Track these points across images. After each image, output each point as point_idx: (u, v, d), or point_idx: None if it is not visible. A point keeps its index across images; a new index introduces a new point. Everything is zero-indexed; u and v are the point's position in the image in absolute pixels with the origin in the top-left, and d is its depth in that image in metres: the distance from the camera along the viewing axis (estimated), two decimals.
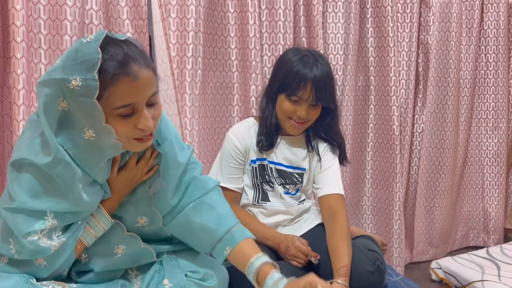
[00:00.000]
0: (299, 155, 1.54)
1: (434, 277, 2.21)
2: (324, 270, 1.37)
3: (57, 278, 1.06)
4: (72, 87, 0.87)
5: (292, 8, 1.99)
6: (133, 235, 1.13)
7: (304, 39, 2.05)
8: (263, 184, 1.52)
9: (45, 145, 0.95)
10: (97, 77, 0.86)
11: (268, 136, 1.49)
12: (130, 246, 1.12)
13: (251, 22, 1.90)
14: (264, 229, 1.46)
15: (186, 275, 1.18)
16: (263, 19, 1.97)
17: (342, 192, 1.49)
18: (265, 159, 1.52)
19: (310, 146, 1.53)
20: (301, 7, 2.03)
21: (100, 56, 0.86)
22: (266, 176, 1.52)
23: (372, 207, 2.37)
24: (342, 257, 1.31)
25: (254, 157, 1.51)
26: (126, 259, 1.12)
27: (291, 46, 1.99)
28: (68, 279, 1.10)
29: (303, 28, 2.05)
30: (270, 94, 1.48)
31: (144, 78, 0.91)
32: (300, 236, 1.47)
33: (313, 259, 1.36)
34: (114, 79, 0.88)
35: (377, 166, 2.33)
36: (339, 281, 1.27)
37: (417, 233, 2.43)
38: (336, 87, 1.49)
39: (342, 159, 1.56)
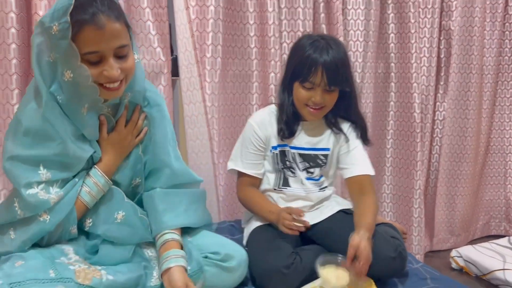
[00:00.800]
0: (322, 137, 1.54)
1: (454, 265, 2.20)
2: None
3: (70, 238, 1.14)
4: (53, 32, 0.99)
5: None
6: (131, 203, 1.20)
7: (323, 25, 2.03)
8: (285, 169, 1.53)
9: (38, 95, 1.05)
10: (69, 20, 0.97)
11: (289, 125, 1.49)
12: (129, 213, 1.18)
13: (270, 9, 1.89)
14: (269, 204, 1.49)
15: (206, 257, 1.20)
16: (282, 6, 1.96)
17: (372, 172, 1.49)
18: (286, 145, 1.52)
19: (333, 128, 1.53)
20: None
21: (73, 1, 0.97)
22: (287, 162, 1.53)
23: (392, 195, 2.35)
24: (367, 216, 1.34)
25: (275, 144, 1.52)
26: (127, 228, 1.17)
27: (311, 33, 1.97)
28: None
29: (322, 15, 2.03)
30: (286, 82, 1.49)
31: (110, 28, 1.00)
32: (320, 221, 1.47)
33: (300, 224, 1.32)
34: (81, 25, 0.98)
35: (397, 154, 2.31)
36: (361, 232, 1.26)
37: (438, 221, 2.41)
38: (351, 70, 1.47)
39: (364, 139, 1.55)
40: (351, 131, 1.54)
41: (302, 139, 1.53)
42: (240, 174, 1.56)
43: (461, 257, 2.17)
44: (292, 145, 1.52)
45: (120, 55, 1.06)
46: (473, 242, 2.51)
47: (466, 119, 2.38)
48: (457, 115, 2.36)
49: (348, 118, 1.54)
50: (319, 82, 1.40)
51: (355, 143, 1.53)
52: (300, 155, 1.53)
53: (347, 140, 1.52)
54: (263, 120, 1.53)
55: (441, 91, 2.34)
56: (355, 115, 1.53)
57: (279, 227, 1.37)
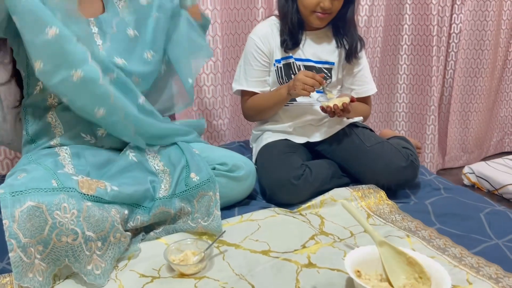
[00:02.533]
0: (328, 49, 1.48)
1: (466, 181, 2.18)
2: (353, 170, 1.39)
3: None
4: None
5: None
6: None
7: None
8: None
9: None
10: None
11: (292, 35, 1.43)
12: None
13: None
14: (274, 90, 1.46)
15: (214, 168, 1.19)
16: None
17: (376, 90, 1.58)
18: (291, 57, 1.46)
19: (339, 41, 1.47)
20: None
21: None
22: (292, 75, 1.47)
23: (405, 113, 2.30)
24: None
25: (279, 57, 1.46)
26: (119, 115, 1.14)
27: None
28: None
29: None
30: None
31: None
32: (330, 136, 1.44)
33: (320, 83, 1.32)
34: None
35: (411, 70, 2.22)
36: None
37: (451, 138, 2.37)
38: None
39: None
40: (359, 48, 1.48)
41: (308, 50, 1.47)
42: (244, 93, 1.51)
43: (473, 173, 2.15)
44: (297, 56, 1.46)
45: None
46: (486, 159, 2.48)
47: (484, 31, 2.26)
48: (474, 28, 2.24)
49: (349, 27, 1.46)
50: None
51: (364, 61, 1.51)
52: (305, 66, 1.47)
53: (355, 57, 1.47)
54: (265, 33, 1.46)
55: (458, 2, 2.20)
56: (354, 25, 1.47)
57: (295, 88, 1.32)
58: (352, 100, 1.36)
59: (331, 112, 1.35)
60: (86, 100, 1.10)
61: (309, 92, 1.32)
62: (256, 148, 1.53)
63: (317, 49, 1.47)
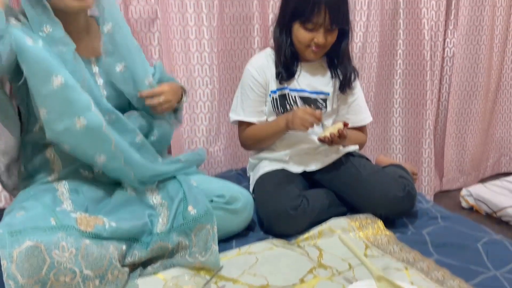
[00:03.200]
0: (322, 80, 1.50)
1: (464, 204, 2.18)
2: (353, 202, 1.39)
3: None
4: None
5: None
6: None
7: None
8: (285, 114, 1.48)
9: None
10: None
11: (287, 67, 1.45)
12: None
13: None
14: (272, 121, 1.47)
15: (212, 201, 1.19)
16: None
17: (371, 119, 1.59)
18: (286, 88, 1.48)
19: (333, 72, 1.49)
20: None
21: None
22: (288, 105, 1.48)
23: (401, 136, 2.31)
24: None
25: (274, 88, 1.48)
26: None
27: None
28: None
29: None
30: (284, 23, 1.43)
31: None
32: (328, 165, 1.45)
33: (319, 119, 1.34)
34: None
35: (406, 94, 2.24)
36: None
37: (447, 161, 2.38)
38: (349, 7, 1.42)
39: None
40: (352, 78, 1.50)
41: (302, 81, 1.48)
42: (242, 123, 1.52)
43: (471, 195, 2.15)
44: (292, 87, 1.48)
45: None
46: (483, 180, 2.49)
47: (477, 55, 2.29)
48: (467, 51, 2.27)
49: (342, 58, 1.48)
50: (322, 22, 1.35)
51: (358, 91, 1.53)
52: (301, 98, 1.48)
53: (349, 87, 1.49)
54: (261, 65, 1.48)
55: (450, 27, 2.24)
56: (348, 59, 1.49)
57: (294, 124, 1.34)
58: (345, 124, 1.37)
59: (329, 141, 1.36)
60: (88, 147, 1.11)
61: (308, 128, 1.34)
62: (253, 177, 1.53)
63: (311, 80, 1.49)
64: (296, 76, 1.47)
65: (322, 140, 1.37)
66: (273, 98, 1.48)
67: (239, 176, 1.73)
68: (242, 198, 1.23)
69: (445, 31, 2.22)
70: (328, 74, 1.50)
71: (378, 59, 2.15)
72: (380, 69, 2.19)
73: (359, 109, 1.54)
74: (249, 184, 1.56)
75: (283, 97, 1.48)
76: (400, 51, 2.19)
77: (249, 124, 1.50)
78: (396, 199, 1.31)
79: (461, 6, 2.18)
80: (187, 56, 1.81)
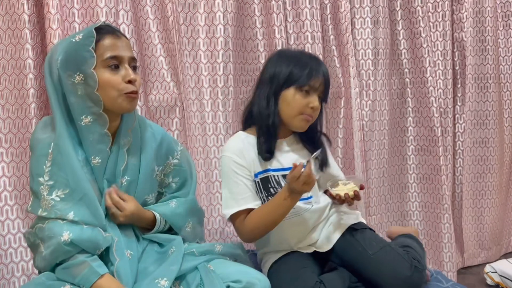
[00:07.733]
0: (302, 154, 1.46)
1: (489, 281, 2.12)
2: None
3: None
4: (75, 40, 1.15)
5: (319, 18, 1.99)
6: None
7: (333, 47, 2.04)
8: (269, 197, 1.40)
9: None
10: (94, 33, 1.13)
11: (269, 143, 1.39)
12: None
13: (278, 36, 1.91)
14: (270, 201, 1.35)
15: (229, 286, 1.19)
16: (291, 42, 2.00)
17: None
18: (268, 170, 1.42)
19: (308, 144, 1.47)
20: (328, 16, 2.03)
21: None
22: (271, 189, 1.41)
23: (418, 212, 2.30)
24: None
25: (256, 171, 1.40)
26: None
27: (320, 55, 1.99)
28: None
29: (332, 37, 2.04)
30: (272, 92, 1.38)
31: (124, 39, 1.19)
32: (334, 244, 1.42)
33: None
34: (102, 35, 1.15)
35: (420, 170, 2.26)
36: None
37: (466, 236, 2.34)
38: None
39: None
40: (327, 146, 1.51)
41: (285, 159, 1.43)
42: (238, 215, 1.37)
43: (495, 272, 2.09)
44: (274, 167, 1.42)
45: (133, 66, 1.19)
46: (507, 255, 2.42)
47: (487, 130, 2.33)
48: (477, 126, 2.32)
49: (319, 132, 1.49)
50: (317, 86, 1.38)
51: (331, 159, 1.52)
52: (284, 176, 1.41)
53: (326, 166, 1.47)
54: (240, 149, 1.39)
55: (459, 103, 2.31)
56: (321, 131, 1.51)
57: (296, 187, 1.26)
58: (362, 187, 1.34)
59: (340, 200, 1.34)
60: None
61: (311, 184, 1.27)
62: (265, 264, 1.48)
63: (294, 156, 1.44)
64: (277, 154, 1.42)
65: (333, 197, 1.35)
66: (255, 182, 1.40)
67: (255, 257, 1.72)
68: (259, 284, 1.21)
69: (454, 107, 2.28)
70: (305, 149, 1.47)
71: (388, 136, 2.20)
72: (392, 145, 2.23)
73: (337, 169, 1.53)
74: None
75: (265, 180, 1.41)
76: (410, 128, 2.25)
77: (246, 213, 1.36)
78: (404, 278, 1.30)
79: (467, 84, 2.25)
80: (203, 138, 1.89)
